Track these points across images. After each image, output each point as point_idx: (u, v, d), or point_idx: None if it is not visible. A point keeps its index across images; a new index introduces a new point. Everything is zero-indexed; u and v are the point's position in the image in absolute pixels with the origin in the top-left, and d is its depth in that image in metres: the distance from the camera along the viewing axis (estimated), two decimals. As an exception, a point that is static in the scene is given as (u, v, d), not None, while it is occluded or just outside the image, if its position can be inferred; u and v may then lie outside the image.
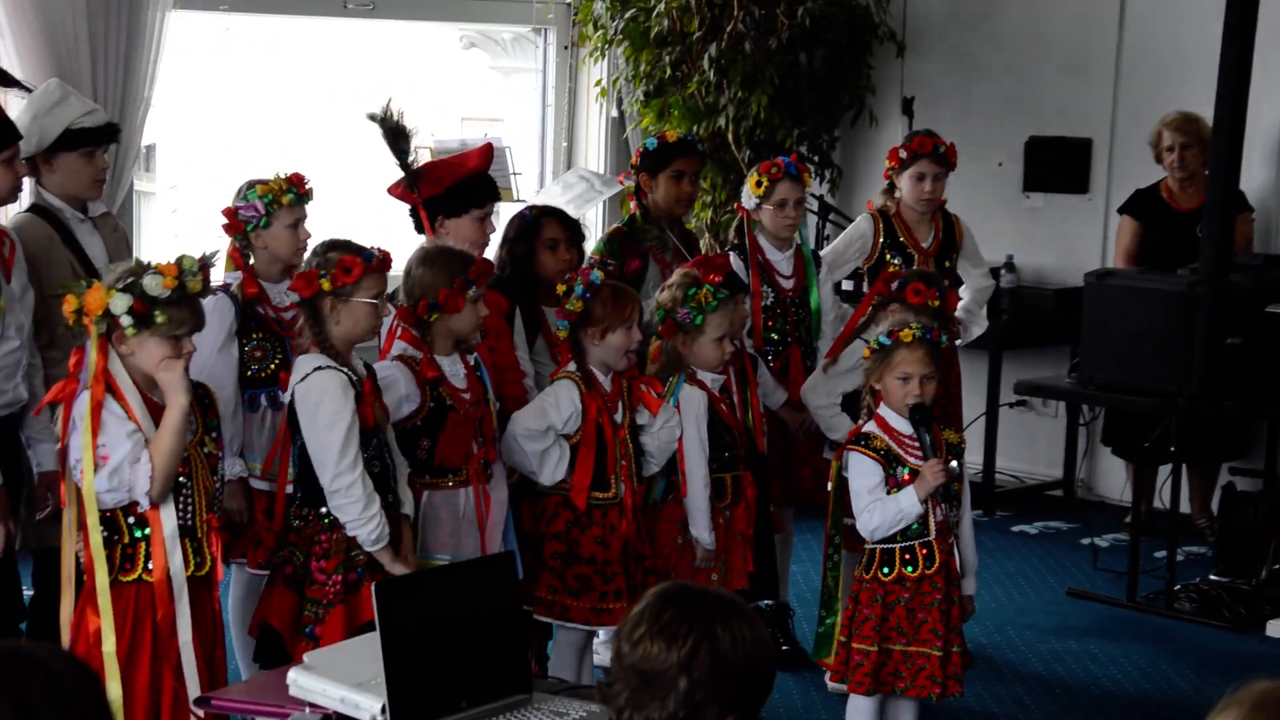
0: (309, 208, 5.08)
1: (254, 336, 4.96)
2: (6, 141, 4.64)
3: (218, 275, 5.09)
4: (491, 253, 5.41)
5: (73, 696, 1.51)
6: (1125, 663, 6.18)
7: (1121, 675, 6.05)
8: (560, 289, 4.88)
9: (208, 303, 4.90)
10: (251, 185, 5.00)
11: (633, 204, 6.16)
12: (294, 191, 4.96)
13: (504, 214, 5.98)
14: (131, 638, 3.89)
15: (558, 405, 4.80)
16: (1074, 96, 8.49)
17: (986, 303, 6.66)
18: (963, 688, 4.84)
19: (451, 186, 5.15)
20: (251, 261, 4.99)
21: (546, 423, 4.77)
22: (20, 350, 4.67)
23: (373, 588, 3.50)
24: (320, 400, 4.26)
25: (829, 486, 5.00)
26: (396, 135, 5.26)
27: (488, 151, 5.26)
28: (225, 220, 4.97)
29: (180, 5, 7.00)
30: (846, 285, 7.21)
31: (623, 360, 4.88)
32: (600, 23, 8.35)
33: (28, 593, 5.48)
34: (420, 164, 5.31)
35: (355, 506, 4.23)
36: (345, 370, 4.28)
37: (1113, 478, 8.37)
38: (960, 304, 6.42)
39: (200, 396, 4.05)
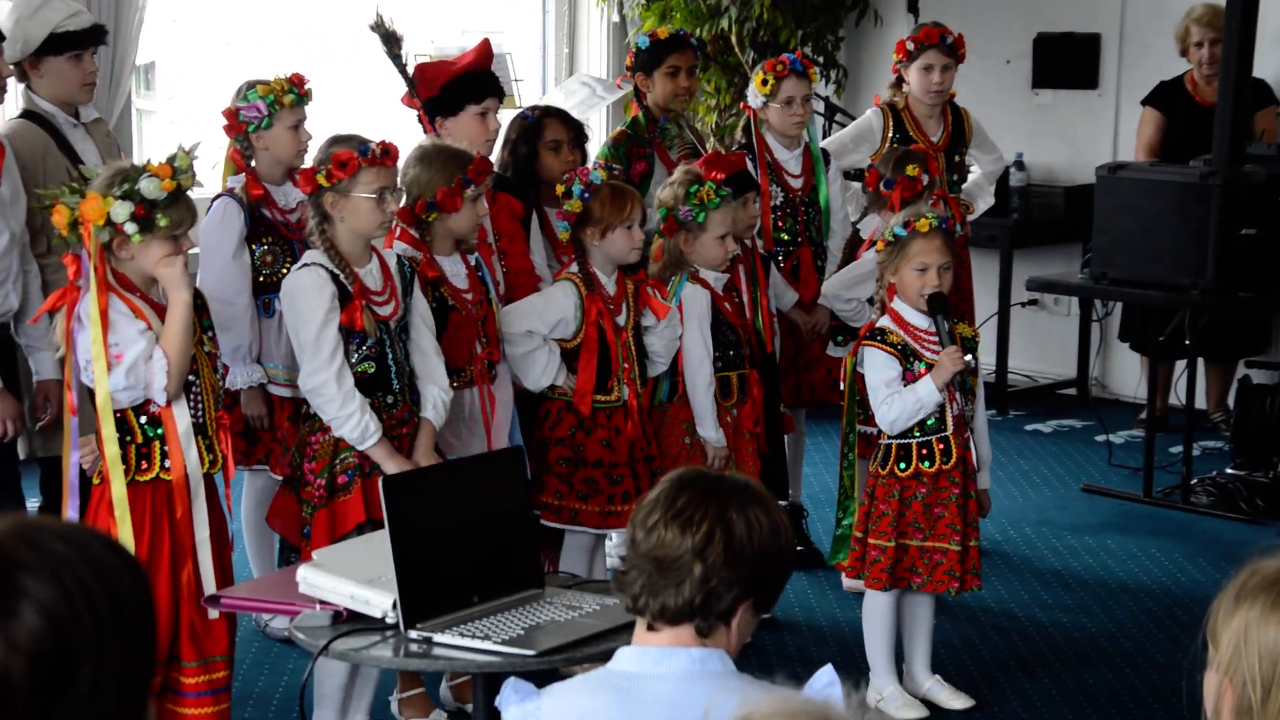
0: (311, 111, 4.99)
1: (264, 241, 4.90)
2: None
3: (217, 180, 5.03)
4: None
5: (115, 578, 1.44)
6: (1142, 557, 6.14)
7: (1139, 569, 6.02)
8: (559, 190, 4.81)
9: (215, 208, 4.86)
10: (252, 86, 4.92)
11: (634, 106, 6.09)
12: (295, 92, 4.88)
13: (505, 119, 5.89)
14: (151, 538, 3.85)
15: (546, 308, 4.74)
16: (1082, -10, 8.36)
17: (995, 181, 6.59)
18: (981, 582, 4.80)
19: (445, 85, 5.06)
20: (254, 164, 4.91)
21: (527, 325, 4.71)
22: (8, 257, 4.60)
23: (380, 483, 3.46)
24: (295, 297, 4.21)
25: (842, 386, 4.95)
26: (389, 41, 5.20)
27: (483, 48, 5.16)
28: (225, 121, 4.89)
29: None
30: (854, 184, 7.12)
31: (631, 256, 4.80)
32: (600, -75, 8.22)
33: (34, 504, 5.46)
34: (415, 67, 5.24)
35: (331, 405, 4.16)
36: (334, 269, 4.19)
37: (1127, 375, 8.31)
38: (970, 179, 6.35)
39: (194, 296, 3.98)
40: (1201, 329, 6.71)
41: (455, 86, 5.06)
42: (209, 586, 3.88)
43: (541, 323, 4.73)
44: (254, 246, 4.90)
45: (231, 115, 4.88)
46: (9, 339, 4.73)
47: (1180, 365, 7.16)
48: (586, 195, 4.72)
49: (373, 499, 4.16)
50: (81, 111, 5.09)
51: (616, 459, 4.80)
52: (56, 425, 4.71)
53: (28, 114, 5.00)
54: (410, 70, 5.18)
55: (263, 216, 4.90)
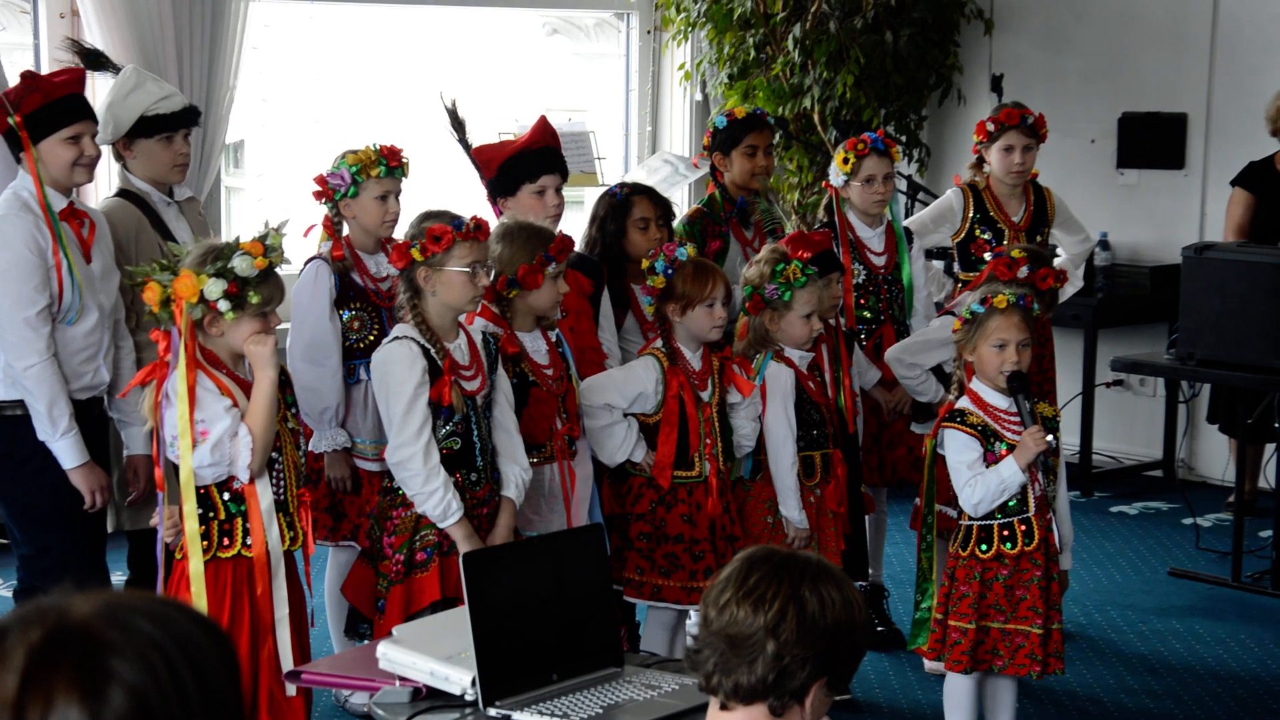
0: (407, 185, 5.06)
1: (352, 306, 4.95)
2: (72, 118, 4.63)
3: (311, 246, 5.11)
4: (577, 229, 5.38)
5: (202, 656, 1.46)
6: (1231, 642, 6.04)
7: (1227, 655, 5.91)
8: (645, 264, 4.83)
9: (307, 271, 4.93)
10: (344, 155, 5.00)
11: (710, 185, 6.12)
12: (384, 164, 4.94)
13: (589, 198, 5.96)
14: (231, 613, 3.88)
15: (625, 382, 4.76)
16: (1168, 71, 8.33)
17: (1084, 263, 6.54)
18: (1064, 665, 4.74)
19: (501, 165, 5.12)
20: (345, 232, 4.98)
21: (605, 399, 4.72)
22: (99, 331, 4.68)
23: (460, 560, 3.47)
24: (386, 371, 4.24)
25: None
26: (455, 126, 5.29)
27: (538, 127, 5.20)
28: (316, 187, 4.97)
29: (263, -6, 7.03)
30: (936, 264, 7.11)
31: (712, 334, 4.81)
32: (683, 6, 8.30)
33: (121, 577, 5.52)
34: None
35: (415, 480, 4.18)
36: (424, 343, 4.23)
37: (1214, 457, 8.21)
38: (1056, 263, 6.31)
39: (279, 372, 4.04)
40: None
41: (510, 166, 5.11)
42: (287, 662, 3.90)
43: (620, 397, 4.75)
44: (342, 311, 4.94)
45: (321, 181, 4.96)
46: (101, 413, 4.81)
47: (1270, 448, 7.06)
48: (670, 271, 4.75)
49: (449, 578, 4.18)
50: (175, 190, 5.19)
51: (698, 534, 4.79)
52: (145, 499, 4.77)
53: (123, 193, 5.10)
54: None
55: (352, 282, 4.95)
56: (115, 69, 5.34)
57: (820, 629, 2.40)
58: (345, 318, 4.93)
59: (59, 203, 4.60)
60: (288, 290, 5.35)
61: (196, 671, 1.43)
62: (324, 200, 4.96)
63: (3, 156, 5.65)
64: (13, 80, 6.12)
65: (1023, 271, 5.11)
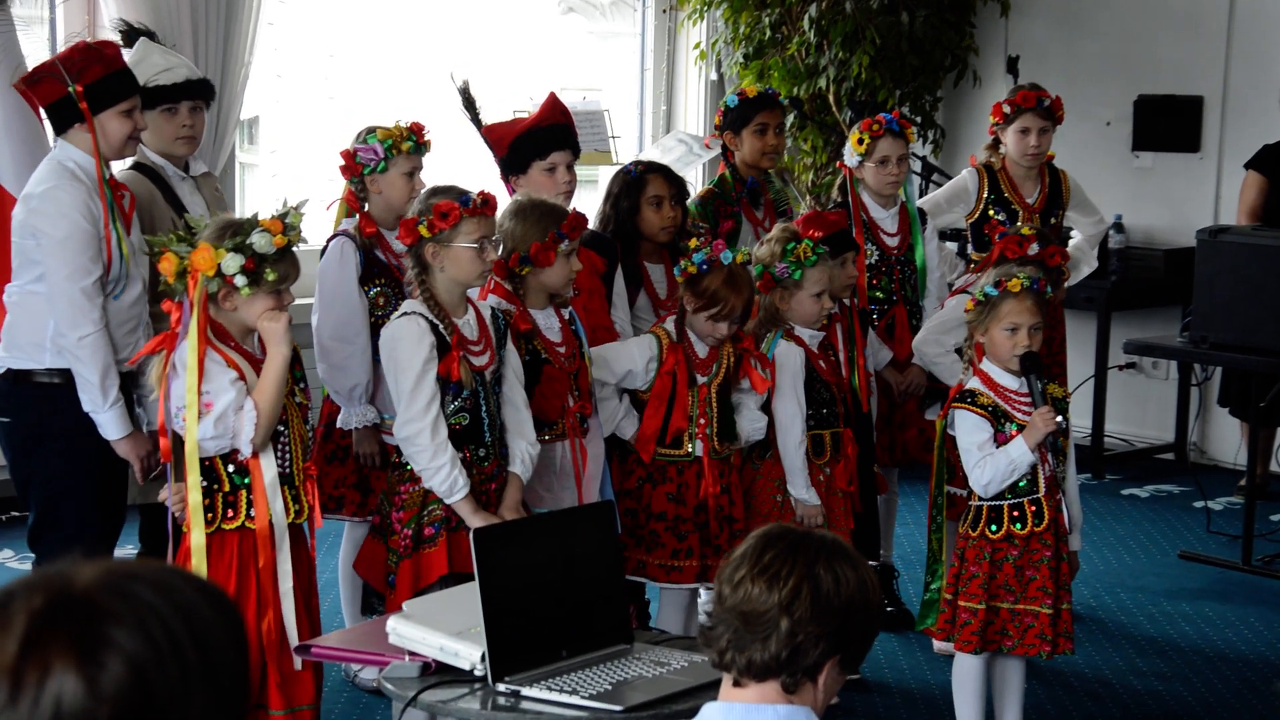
0: (426, 161, 5.06)
1: (377, 283, 4.95)
2: (131, 90, 4.62)
3: (329, 222, 5.10)
4: (591, 208, 5.38)
5: (205, 626, 1.46)
6: (1241, 625, 6.04)
7: (1236, 638, 5.92)
8: (691, 244, 4.80)
9: (332, 248, 4.93)
10: (371, 130, 4.99)
11: (722, 165, 6.12)
12: (413, 139, 4.95)
13: (604, 177, 5.95)
14: (237, 585, 3.89)
15: (618, 358, 4.76)
16: (1184, 53, 8.31)
17: (1098, 245, 6.53)
18: (1074, 645, 4.74)
19: (512, 144, 5.12)
20: (367, 208, 4.98)
21: (596, 375, 4.72)
22: (140, 303, 4.68)
23: (471, 535, 3.48)
24: (394, 346, 4.24)
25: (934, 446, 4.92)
26: (467, 106, 5.29)
27: (549, 103, 5.19)
28: (342, 162, 4.97)
29: (279, -29, 7.03)
30: (950, 245, 7.10)
31: (708, 341, 4.78)
32: (699, -16, 8.29)
33: (132, 550, 5.54)
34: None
35: (423, 455, 4.19)
36: (433, 319, 4.24)
37: (1226, 441, 8.20)
38: (1071, 243, 6.31)
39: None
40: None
41: (520, 144, 5.10)
42: (292, 636, 3.92)
43: (609, 373, 4.76)
44: (366, 288, 4.94)
45: (349, 156, 4.96)
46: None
47: (1281, 431, 7.06)
48: (705, 267, 4.72)
49: (457, 553, 4.19)
50: (191, 165, 5.19)
51: (684, 513, 4.79)
52: (161, 472, 4.78)
53: (138, 165, 5.10)
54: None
55: (376, 258, 4.96)
56: (151, 34, 5.37)
57: (834, 607, 2.41)
58: (370, 294, 4.94)
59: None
60: (309, 268, 5.38)
61: (198, 642, 1.44)
62: (349, 176, 4.96)
63: (17, 122, 5.66)
64: (31, 51, 6.15)
65: (1033, 249, 5.11)
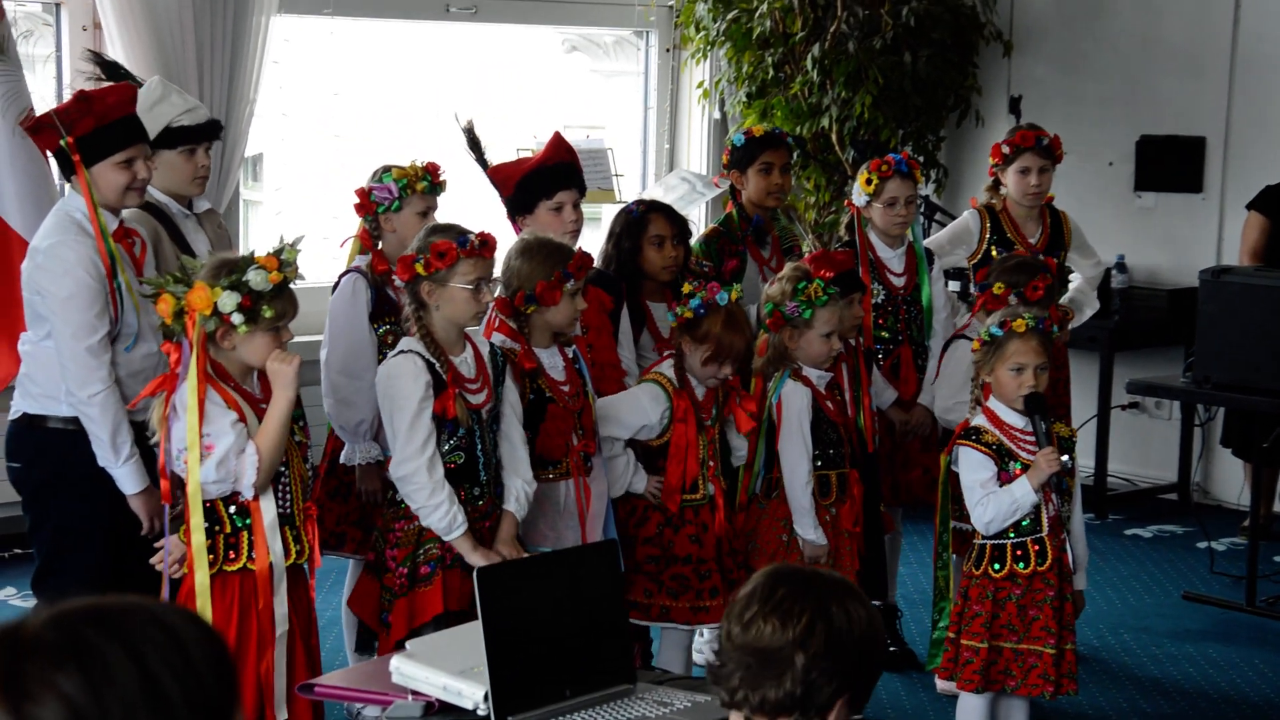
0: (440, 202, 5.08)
1: (386, 321, 4.95)
2: (125, 142, 4.52)
3: (340, 260, 5.10)
4: (595, 246, 5.39)
5: (199, 663, 1.45)
6: (1245, 667, 6.02)
7: (1240, 679, 5.89)
8: (685, 288, 4.81)
9: (344, 284, 4.94)
10: (387, 169, 5.01)
11: (729, 204, 6.13)
12: (428, 179, 4.97)
13: (607, 215, 5.96)
14: (239, 626, 3.88)
15: (631, 413, 4.75)
16: (1187, 94, 8.32)
17: (1098, 287, 6.54)
18: (1077, 686, 4.73)
19: (518, 184, 5.13)
20: (380, 246, 4.99)
21: (606, 432, 4.72)
22: (156, 353, 4.61)
23: (475, 575, 3.47)
24: (389, 384, 4.24)
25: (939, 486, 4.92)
26: (472, 147, 5.30)
27: (554, 143, 5.21)
28: (357, 200, 4.97)
29: (285, 9, 7.04)
30: (952, 286, 7.11)
31: (708, 383, 4.79)
32: (702, 24, 8.31)
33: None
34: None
35: (420, 493, 4.18)
36: (429, 357, 4.23)
37: (1229, 481, 8.19)
38: (1072, 286, 6.31)
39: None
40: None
41: (527, 184, 5.12)
42: (281, 677, 3.90)
43: (623, 428, 4.75)
44: (376, 325, 4.94)
45: (364, 195, 4.96)
46: None
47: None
48: (703, 311, 4.73)
49: (452, 591, 4.18)
50: (195, 202, 5.18)
51: (705, 554, 4.79)
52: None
53: (143, 204, 5.09)
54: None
55: (387, 296, 4.96)
56: (136, 82, 5.33)
57: (848, 644, 2.41)
58: (379, 331, 4.94)
59: (111, 224, 4.50)
60: (317, 305, 5.37)
61: (148, 681, 1.41)
62: (363, 213, 4.97)
63: (24, 161, 5.66)
64: (39, 90, 6.16)
65: (1011, 299, 5.11)
